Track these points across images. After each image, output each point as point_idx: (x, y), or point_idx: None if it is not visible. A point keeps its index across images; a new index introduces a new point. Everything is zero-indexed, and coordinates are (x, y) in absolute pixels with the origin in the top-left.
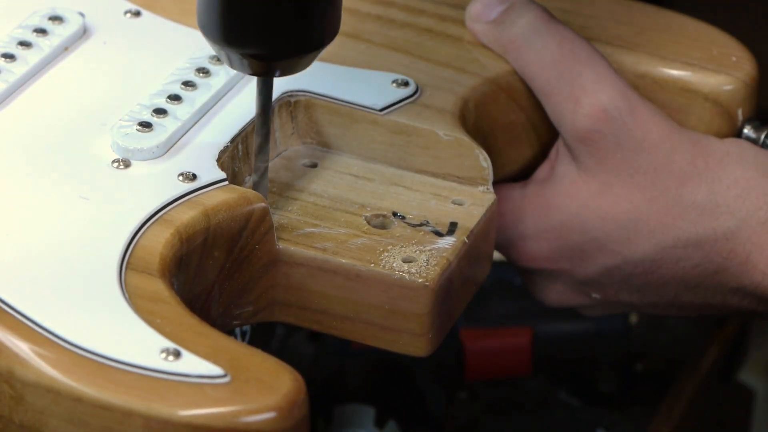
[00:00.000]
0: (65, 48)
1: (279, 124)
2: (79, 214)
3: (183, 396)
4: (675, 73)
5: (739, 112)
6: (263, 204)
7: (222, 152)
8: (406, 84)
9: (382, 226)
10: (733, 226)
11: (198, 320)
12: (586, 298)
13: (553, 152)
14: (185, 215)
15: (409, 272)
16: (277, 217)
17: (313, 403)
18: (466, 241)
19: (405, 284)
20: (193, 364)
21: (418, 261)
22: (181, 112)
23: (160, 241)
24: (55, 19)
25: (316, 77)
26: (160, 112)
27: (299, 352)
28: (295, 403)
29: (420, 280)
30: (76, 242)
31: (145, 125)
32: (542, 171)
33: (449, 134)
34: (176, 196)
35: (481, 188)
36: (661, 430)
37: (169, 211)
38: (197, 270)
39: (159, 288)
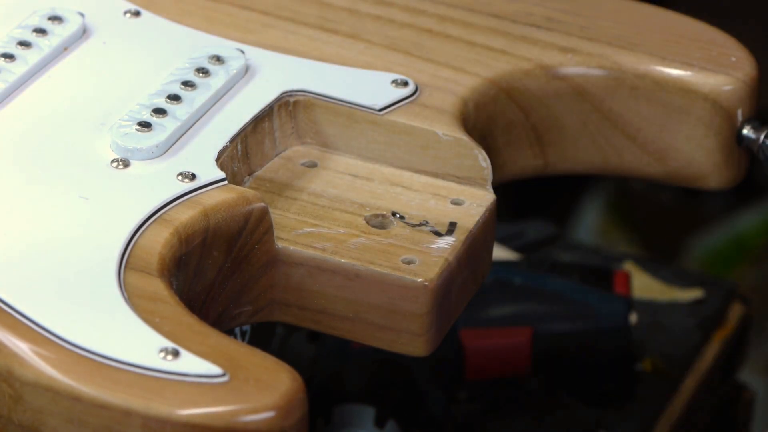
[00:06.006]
0: (65, 48)
1: (278, 124)
2: (78, 213)
3: (182, 395)
4: (675, 73)
5: (739, 112)
6: (262, 204)
7: (221, 152)
8: (405, 84)
9: (382, 226)
10: None
11: (197, 320)
12: None
13: None
14: (184, 215)
15: (408, 272)
16: (276, 217)
17: (312, 403)
18: (465, 241)
19: (404, 284)
20: (191, 364)
21: (418, 261)
22: (180, 112)
23: (159, 240)
24: (55, 19)
25: (315, 77)
26: (159, 111)
27: (299, 352)
28: (294, 403)
29: (419, 280)
30: (75, 241)
31: (145, 125)
32: None
33: (449, 134)
34: (175, 196)
35: (480, 188)
36: (662, 430)
37: (168, 210)
38: (196, 270)
39: (158, 287)
